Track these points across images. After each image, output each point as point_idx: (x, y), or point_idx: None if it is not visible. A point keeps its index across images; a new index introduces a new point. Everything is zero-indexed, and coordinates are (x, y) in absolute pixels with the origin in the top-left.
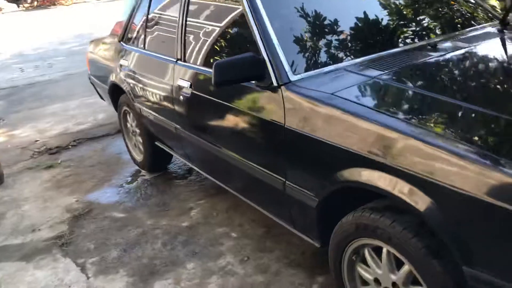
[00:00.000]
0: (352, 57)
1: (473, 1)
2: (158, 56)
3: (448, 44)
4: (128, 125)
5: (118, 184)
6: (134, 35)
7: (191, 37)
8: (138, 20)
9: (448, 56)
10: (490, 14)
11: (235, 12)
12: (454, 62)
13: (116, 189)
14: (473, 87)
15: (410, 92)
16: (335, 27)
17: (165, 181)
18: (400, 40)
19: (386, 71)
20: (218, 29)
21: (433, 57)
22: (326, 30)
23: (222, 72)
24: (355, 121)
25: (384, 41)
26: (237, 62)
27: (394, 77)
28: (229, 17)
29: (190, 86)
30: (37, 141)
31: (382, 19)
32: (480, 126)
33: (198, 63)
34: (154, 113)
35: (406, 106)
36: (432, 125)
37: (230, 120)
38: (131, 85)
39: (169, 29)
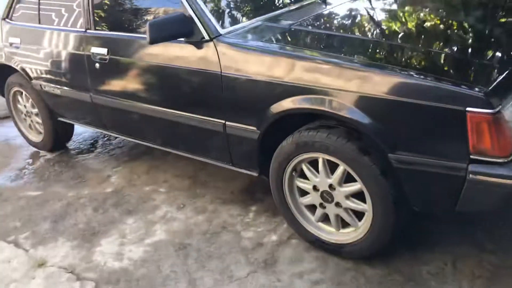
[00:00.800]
0: (268, 11)
1: None
2: (62, 29)
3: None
4: (20, 106)
5: (20, 167)
6: (24, 11)
7: (100, 5)
8: None
9: (334, 8)
10: None
11: None
12: (342, 12)
13: (19, 171)
14: (358, 28)
15: (313, 34)
16: None
17: (71, 157)
18: None
19: (295, 22)
20: None
21: (324, 9)
22: None
23: (156, 30)
24: (280, 59)
25: None
26: (169, 20)
27: (302, 25)
28: None
29: (108, 52)
30: None
31: None
32: (370, 50)
33: (114, 30)
34: (61, 87)
35: (312, 42)
36: (334, 52)
37: (162, 78)
38: (27, 62)
39: (69, 1)
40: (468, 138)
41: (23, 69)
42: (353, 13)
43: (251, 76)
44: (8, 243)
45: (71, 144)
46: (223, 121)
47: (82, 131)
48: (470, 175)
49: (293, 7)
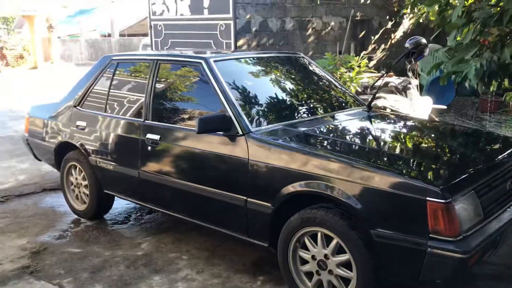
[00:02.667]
0: (288, 119)
1: (352, 95)
2: (123, 118)
3: (340, 116)
4: (72, 178)
5: (64, 229)
6: (94, 102)
7: (158, 102)
8: (97, 91)
9: (340, 122)
10: (362, 102)
11: (197, 81)
12: (344, 126)
13: (63, 232)
14: (355, 137)
15: (321, 138)
16: (278, 100)
17: (107, 226)
18: (314, 111)
19: (308, 129)
20: (181, 95)
21: (332, 122)
22: (272, 101)
23: (203, 125)
24: (295, 154)
25: (305, 112)
26: (214, 118)
27: (313, 131)
28: (191, 85)
29: (160, 139)
30: None
31: (305, 100)
32: (359, 151)
33: (167, 122)
34: (114, 163)
35: (319, 144)
36: (336, 152)
37: (201, 160)
38: (89, 141)
39: (134, 97)
40: (428, 220)
41: (83, 147)
42: (354, 127)
43: (271, 164)
44: (53, 285)
45: (107, 216)
46: (245, 197)
47: (117, 207)
48: (429, 249)
49: (308, 118)
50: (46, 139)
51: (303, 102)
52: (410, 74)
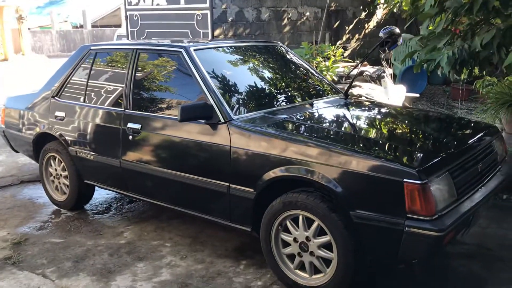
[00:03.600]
0: (268, 107)
1: (329, 83)
2: (103, 107)
3: (318, 104)
4: (51, 170)
5: (44, 220)
6: (72, 92)
7: (138, 92)
8: (75, 81)
9: (318, 110)
10: (339, 90)
11: (177, 70)
12: (322, 113)
13: (43, 223)
14: (333, 124)
15: (300, 125)
16: (257, 88)
17: (89, 216)
18: (293, 99)
19: (287, 116)
20: (161, 84)
21: (311, 110)
22: (252, 89)
23: (185, 113)
24: (275, 140)
25: (284, 99)
26: (196, 106)
27: (292, 118)
28: (171, 74)
29: (141, 128)
30: None
31: (284, 88)
32: (338, 137)
33: (147, 110)
34: (95, 153)
35: (298, 130)
36: (315, 137)
37: (183, 148)
38: (68, 132)
39: (113, 87)
40: (405, 201)
41: (62, 137)
42: (332, 114)
43: (252, 150)
44: (37, 275)
45: (88, 206)
46: (228, 184)
47: (97, 197)
48: (406, 228)
49: (287, 106)
50: (23, 130)
51: (283, 90)
52: (384, 63)
